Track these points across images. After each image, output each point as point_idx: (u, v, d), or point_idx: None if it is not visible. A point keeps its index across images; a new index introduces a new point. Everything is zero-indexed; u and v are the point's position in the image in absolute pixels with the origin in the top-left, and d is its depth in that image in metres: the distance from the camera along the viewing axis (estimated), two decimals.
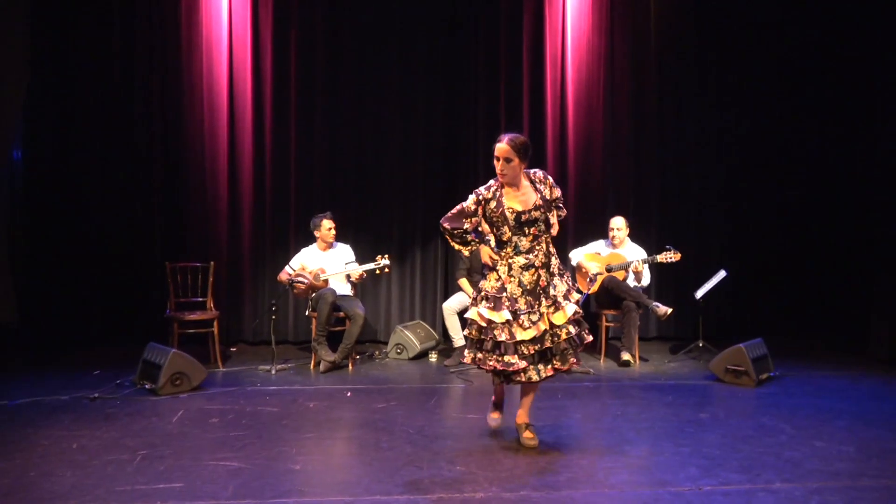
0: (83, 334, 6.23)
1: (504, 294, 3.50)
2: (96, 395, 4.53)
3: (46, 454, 3.47)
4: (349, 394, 4.77)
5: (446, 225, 3.61)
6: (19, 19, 6.09)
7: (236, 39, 6.44)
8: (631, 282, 5.87)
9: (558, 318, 3.50)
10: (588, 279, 5.78)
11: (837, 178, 6.78)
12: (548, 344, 3.50)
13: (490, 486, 3.09)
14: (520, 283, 3.51)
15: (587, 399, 4.65)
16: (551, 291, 3.53)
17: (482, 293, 3.55)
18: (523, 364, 3.46)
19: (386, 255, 5.65)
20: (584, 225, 6.64)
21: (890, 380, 5.16)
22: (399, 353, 6.02)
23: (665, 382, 5.11)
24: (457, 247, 3.67)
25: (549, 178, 3.64)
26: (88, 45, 6.28)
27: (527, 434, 3.67)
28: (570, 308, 3.53)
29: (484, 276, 3.67)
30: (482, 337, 3.53)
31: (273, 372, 5.34)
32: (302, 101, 6.57)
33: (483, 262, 3.66)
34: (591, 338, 3.64)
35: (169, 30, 6.37)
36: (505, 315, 3.46)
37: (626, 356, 5.62)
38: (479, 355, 3.55)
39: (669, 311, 5.51)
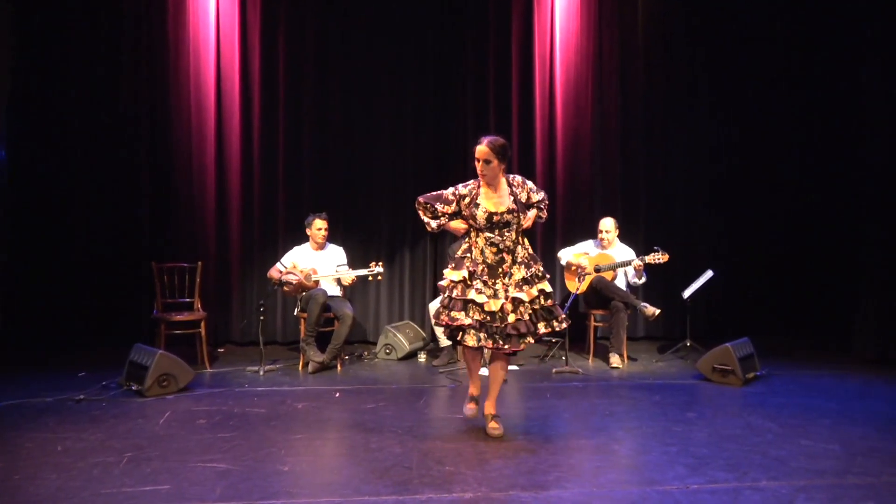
0: (68, 335, 6.16)
1: (468, 255, 3.70)
2: (82, 396, 4.49)
3: (31, 457, 3.43)
4: (338, 394, 4.76)
5: (422, 199, 3.81)
6: (3, 19, 6.02)
7: (224, 38, 6.41)
8: (622, 282, 5.89)
9: (523, 297, 3.63)
10: (577, 278, 5.79)
11: (825, 179, 6.83)
12: (497, 323, 3.61)
13: (479, 485, 3.09)
14: (482, 253, 3.68)
15: (576, 398, 4.66)
16: (513, 277, 3.67)
17: (452, 258, 3.74)
18: (468, 321, 3.59)
19: (379, 263, 5.63)
20: (573, 225, 6.68)
21: (874, 379, 5.21)
22: (388, 354, 6.01)
23: (653, 382, 5.13)
24: (426, 219, 3.84)
25: (528, 182, 3.83)
26: (74, 45, 6.22)
27: (492, 424, 3.81)
28: (535, 290, 3.67)
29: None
30: (445, 296, 3.69)
31: (261, 373, 5.31)
32: (290, 100, 6.55)
33: (456, 231, 3.79)
34: (563, 325, 3.74)
35: (156, 29, 6.33)
36: (462, 273, 3.65)
37: (614, 361, 5.63)
38: (440, 311, 3.69)
39: (657, 311, 5.54)
